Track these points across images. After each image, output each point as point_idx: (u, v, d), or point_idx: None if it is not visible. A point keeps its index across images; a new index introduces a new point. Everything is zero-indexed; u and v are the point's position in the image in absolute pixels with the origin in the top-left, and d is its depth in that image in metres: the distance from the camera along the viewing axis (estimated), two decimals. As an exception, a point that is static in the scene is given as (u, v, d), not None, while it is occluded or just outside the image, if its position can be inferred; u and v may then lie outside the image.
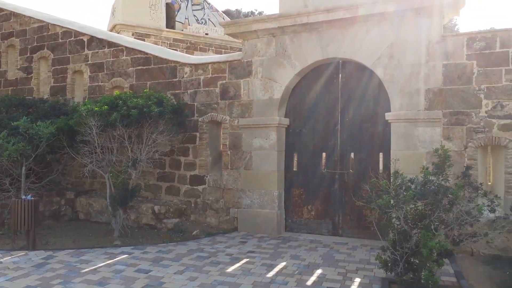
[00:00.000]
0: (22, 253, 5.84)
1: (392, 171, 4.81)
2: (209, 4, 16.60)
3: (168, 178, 8.24)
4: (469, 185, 5.01)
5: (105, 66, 9.03)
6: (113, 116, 6.74)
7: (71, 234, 7.29)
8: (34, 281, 4.67)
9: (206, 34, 16.18)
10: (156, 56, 8.45)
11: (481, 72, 5.91)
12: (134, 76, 8.66)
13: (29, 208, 6.21)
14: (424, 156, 6.10)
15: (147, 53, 8.56)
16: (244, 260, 5.57)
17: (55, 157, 8.17)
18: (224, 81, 7.72)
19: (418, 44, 6.22)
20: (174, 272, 5.04)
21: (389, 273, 4.49)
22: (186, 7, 16.12)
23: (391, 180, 4.63)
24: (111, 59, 8.96)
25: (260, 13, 28.97)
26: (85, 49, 9.29)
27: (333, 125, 7.03)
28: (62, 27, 9.63)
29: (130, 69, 8.71)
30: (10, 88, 10.29)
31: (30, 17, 10.13)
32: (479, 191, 4.95)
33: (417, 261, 4.25)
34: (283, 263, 5.44)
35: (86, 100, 8.35)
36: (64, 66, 9.55)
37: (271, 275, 4.95)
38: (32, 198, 6.41)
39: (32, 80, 9.97)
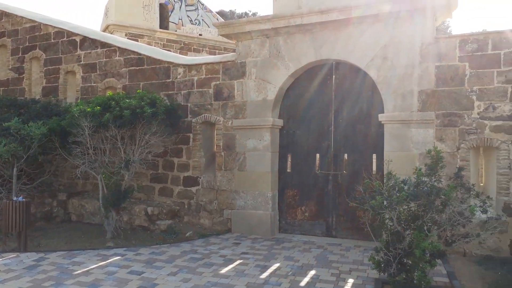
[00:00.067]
0: (13, 255, 5.78)
1: (385, 172, 4.83)
2: (203, 5, 16.58)
3: (161, 179, 8.20)
4: (462, 186, 5.04)
5: (98, 67, 8.98)
6: (105, 117, 6.70)
7: (63, 235, 7.23)
8: (26, 283, 4.62)
9: (200, 35, 16.15)
10: (149, 57, 8.41)
11: (473, 73, 5.96)
12: (127, 76, 8.62)
13: (21, 209, 6.16)
14: (417, 157, 6.14)
15: (140, 54, 8.52)
16: (238, 262, 5.56)
17: (47, 158, 8.09)
18: (217, 82, 7.70)
19: (411, 46, 6.25)
20: (167, 274, 5.02)
21: (382, 273, 4.50)
22: (180, 7, 16.08)
23: (384, 181, 4.65)
24: (104, 59, 8.91)
25: (254, 14, 29.03)
26: (78, 49, 9.23)
27: (326, 126, 7.04)
28: (55, 27, 9.55)
29: (123, 69, 8.67)
30: (1, 88, 10.20)
31: (22, 17, 10.04)
32: (471, 192, 4.98)
33: (410, 262, 4.27)
34: (277, 264, 5.44)
35: (79, 100, 8.28)
36: (57, 67, 9.47)
37: (264, 276, 4.95)
38: (24, 199, 6.35)
39: (24, 80, 9.89)
